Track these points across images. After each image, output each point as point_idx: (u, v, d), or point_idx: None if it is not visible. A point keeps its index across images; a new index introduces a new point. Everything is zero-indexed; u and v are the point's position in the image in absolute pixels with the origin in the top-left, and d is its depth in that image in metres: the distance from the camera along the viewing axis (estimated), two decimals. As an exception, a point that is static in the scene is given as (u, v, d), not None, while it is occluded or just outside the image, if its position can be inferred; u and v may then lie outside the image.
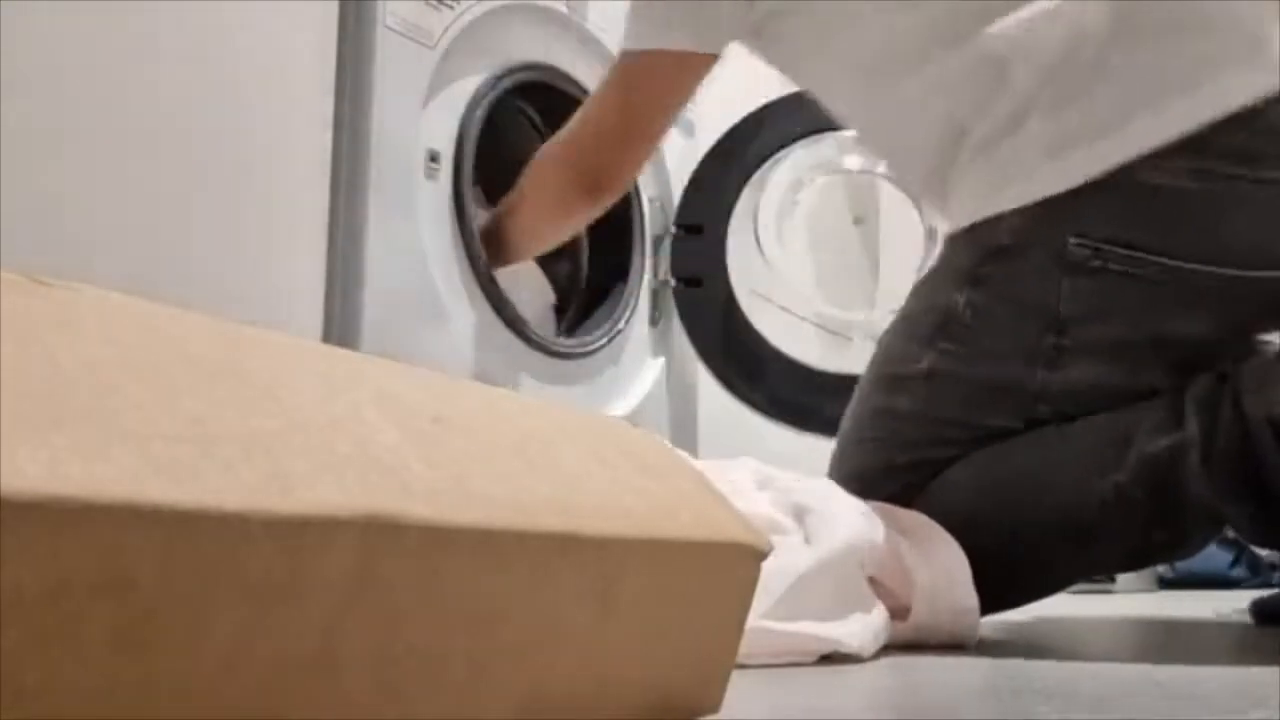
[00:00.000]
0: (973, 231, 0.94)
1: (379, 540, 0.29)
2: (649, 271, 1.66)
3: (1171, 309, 0.88)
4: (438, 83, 1.32)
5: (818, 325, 1.94)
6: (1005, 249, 0.91)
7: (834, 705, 0.54)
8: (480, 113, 1.38)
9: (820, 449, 1.51)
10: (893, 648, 0.75)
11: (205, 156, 1.10)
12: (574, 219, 1.30)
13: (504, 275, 1.38)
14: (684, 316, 1.67)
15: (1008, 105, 0.92)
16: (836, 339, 1.99)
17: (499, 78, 1.43)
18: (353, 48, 1.25)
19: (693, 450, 1.47)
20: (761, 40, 1.08)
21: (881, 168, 1.96)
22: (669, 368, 1.68)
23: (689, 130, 1.85)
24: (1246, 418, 0.83)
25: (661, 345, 1.68)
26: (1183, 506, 0.86)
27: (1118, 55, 0.88)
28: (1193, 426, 0.85)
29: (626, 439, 0.47)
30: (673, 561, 0.41)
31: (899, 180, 1.18)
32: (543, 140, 1.52)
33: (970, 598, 0.79)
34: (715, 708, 0.44)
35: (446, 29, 1.33)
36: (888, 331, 1.01)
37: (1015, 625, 0.97)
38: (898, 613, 0.77)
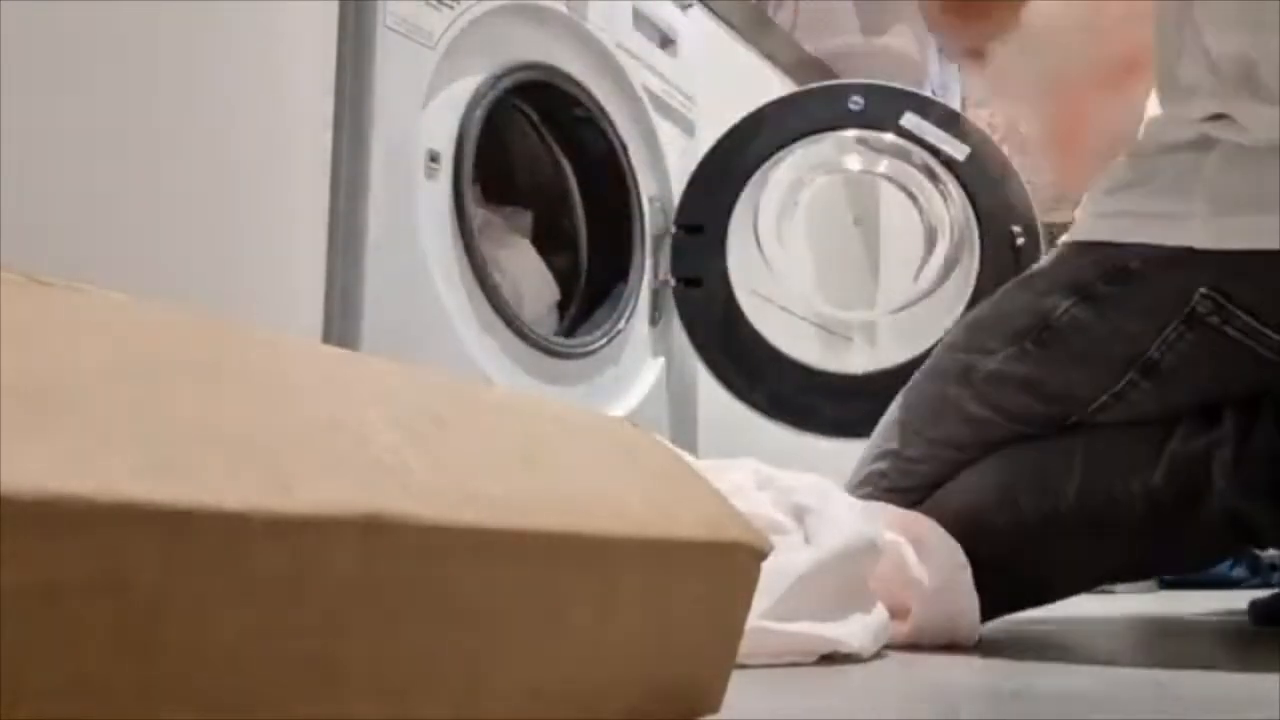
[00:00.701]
0: (1099, 246, 0.91)
1: (379, 540, 0.29)
2: (649, 271, 1.66)
3: (1265, 380, 0.87)
4: (438, 83, 1.32)
5: (818, 325, 1.94)
6: (1130, 274, 0.89)
7: (834, 705, 0.54)
8: (480, 113, 1.38)
9: (820, 449, 1.51)
10: (893, 648, 0.75)
11: (205, 156, 1.10)
12: None
13: (508, 274, 1.38)
14: (684, 316, 1.67)
15: (1205, 127, 0.87)
16: (836, 339, 1.99)
17: (499, 78, 1.43)
18: (353, 48, 1.25)
19: (693, 450, 1.47)
20: None
21: (882, 167, 1.96)
22: (669, 368, 1.68)
23: (689, 130, 1.85)
24: None
25: (661, 345, 1.68)
26: (1209, 510, 0.86)
27: None
28: (1229, 424, 0.85)
29: (626, 439, 0.47)
30: (673, 561, 0.41)
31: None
32: (542, 140, 1.52)
33: (970, 599, 0.79)
34: (715, 708, 0.44)
35: (446, 29, 1.33)
36: (976, 314, 1.00)
37: (1015, 625, 0.97)
38: (898, 613, 0.77)
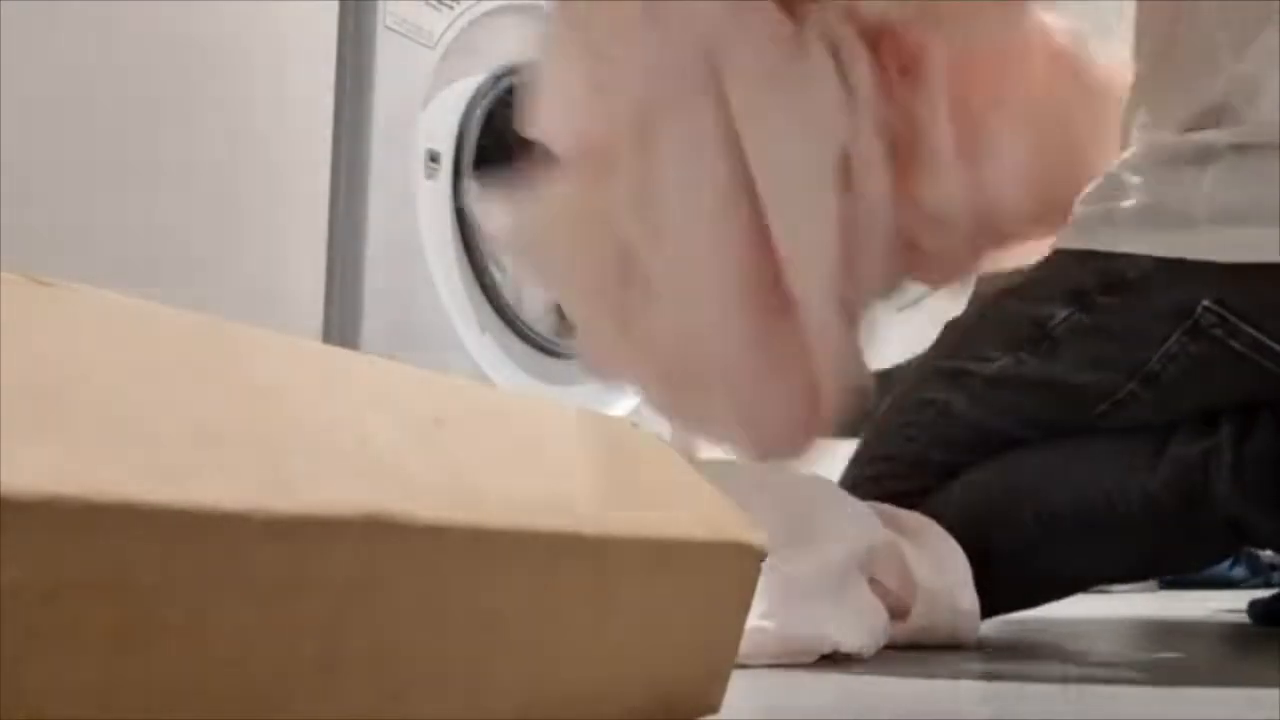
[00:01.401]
0: (1096, 254, 0.90)
1: (379, 540, 0.29)
2: (649, 271, 1.66)
3: (1267, 390, 0.86)
4: (438, 83, 1.33)
5: (818, 325, 1.94)
6: (1130, 284, 0.88)
7: (834, 705, 0.54)
8: (480, 113, 1.38)
9: (820, 449, 1.51)
10: (893, 647, 0.75)
11: (205, 156, 1.10)
12: None
13: (508, 274, 1.38)
14: (684, 316, 1.67)
15: (1209, 135, 0.86)
16: (836, 339, 1.98)
17: (499, 78, 1.43)
18: (353, 48, 1.25)
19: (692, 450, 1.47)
20: None
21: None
22: (669, 368, 1.67)
23: (689, 130, 1.84)
24: None
25: (661, 345, 1.68)
26: (1208, 513, 0.85)
27: None
28: (1226, 430, 0.85)
29: (626, 439, 0.47)
30: (673, 561, 0.41)
31: None
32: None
33: (971, 599, 0.79)
34: (715, 708, 0.44)
35: (446, 29, 1.34)
36: (963, 322, 0.99)
37: (1014, 625, 0.97)
38: (898, 613, 0.77)
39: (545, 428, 0.42)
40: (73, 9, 0.98)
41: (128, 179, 1.03)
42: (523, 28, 1.49)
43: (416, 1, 1.29)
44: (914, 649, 0.76)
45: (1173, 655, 0.88)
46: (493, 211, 1.06)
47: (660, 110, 0.88)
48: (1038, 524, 0.89)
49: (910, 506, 0.89)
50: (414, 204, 1.28)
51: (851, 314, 0.96)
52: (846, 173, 0.91)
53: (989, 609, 0.82)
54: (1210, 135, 0.86)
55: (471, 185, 1.32)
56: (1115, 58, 1.01)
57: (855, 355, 0.97)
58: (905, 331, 2.00)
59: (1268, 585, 1.87)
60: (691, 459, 0.58)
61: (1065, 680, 0.63)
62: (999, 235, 1.03)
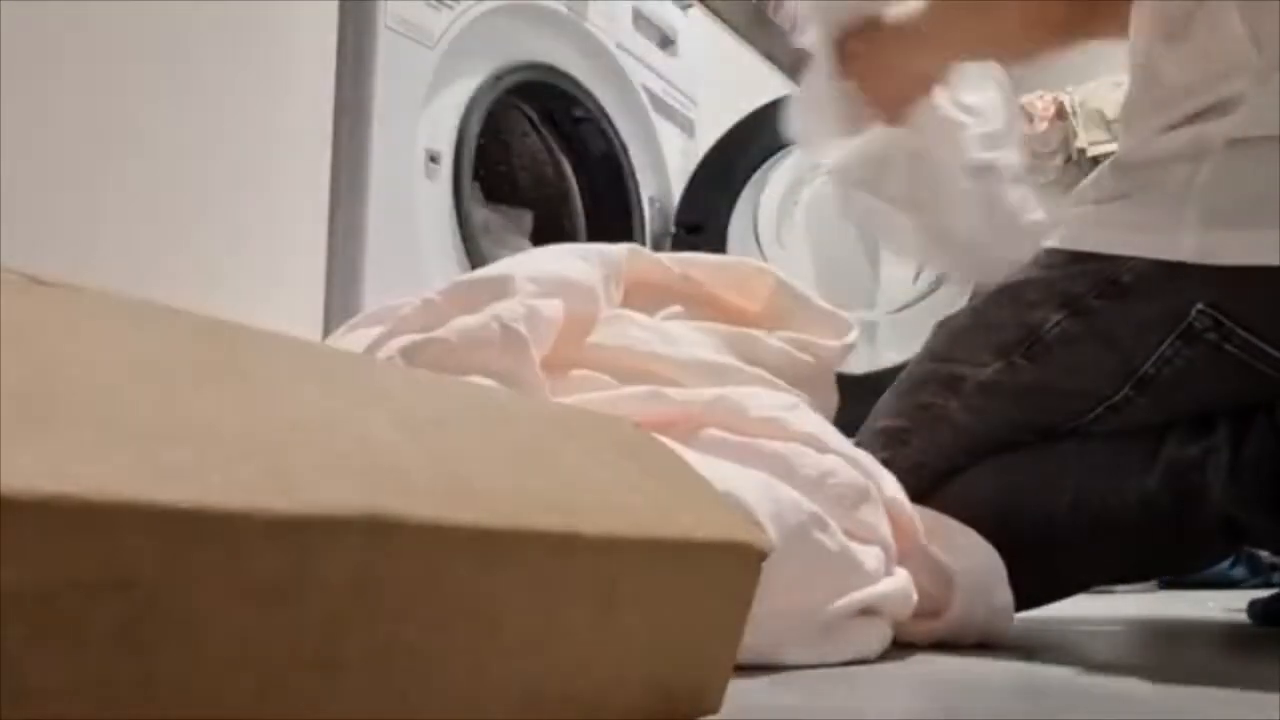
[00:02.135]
0: (1089, 258, 0.89)
1: (379, 540, 0.29)
2: (649, 271, 1.66)
3: (1261, 393, 0.86)
4: (438, 83, 1.33)
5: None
6: (1123, 288, 0.87)
7: (835, 705, 0.54)
8: (480, 113, 1.38)
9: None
10: (901, 644, 0.75)
11: (205, 156, 1.10)
12: None
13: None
14: (684, 316, 1.67)
15: (1200, 131, 0.85)
16: (836, 339, 1.99)
17: (499, 78, 1.43)
18: (353, 48, 1.25)
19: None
20: None
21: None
22: (669, 368, 1.67)
23: (689, 130, 1.85)
24: (1279, 426, 0.83)
25: (661, 345, 1.68)
26: (1205, 515, 0.85)
27: None
28: (1222, 432, 0.85)
29: (626, 439, 0.47)
30: (673, 561, 0.41)
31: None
32: (542, 140, 1.53)
33: (1006, 594, 0.79)
34: (715, 708, 0.44)
35: (446, 29, 1.34)
36: (960, 323, 0.98)
37: (1014, 626, 0.97)
38: (931, 612, 0.77)
39: (545, 428, 0.42)
40: (72, 9, 0.98)
41: (127, 179, 1.03)
42: (523, 28, 1.49)
43: (416, 1, 1.29)
44: (913, 648, 0.76)
45: (1173, 655, 0.88)
46: (825, 149, 1.17)
47: None
48: (1035, 527, 0.89)
49: None
50: (414, 204, 1.28)
51: None
52: None
53: None
54: (1207, 128, 0.85)
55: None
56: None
57: None
58: (903, 332, 2.00)
59: (1268, 585, 1.87)
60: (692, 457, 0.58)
61: (1064, 680, 0.63)
62: None
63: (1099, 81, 2.54)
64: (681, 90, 1.86)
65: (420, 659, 0.31)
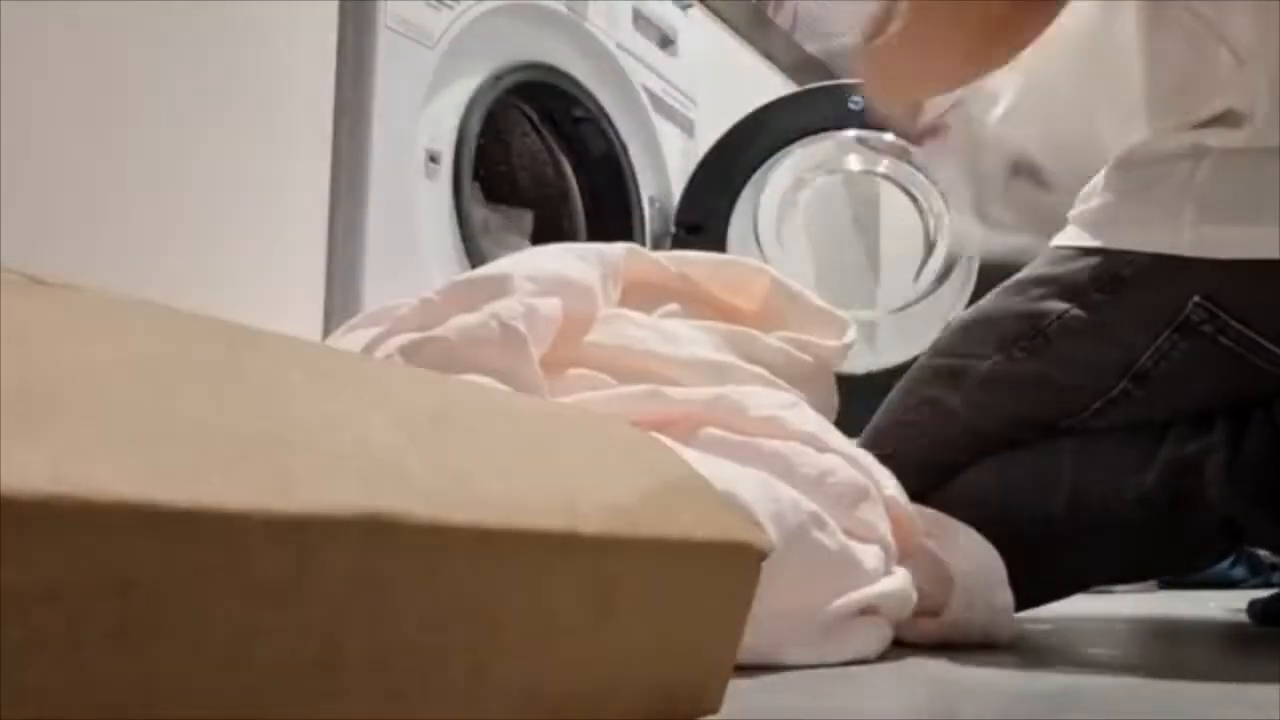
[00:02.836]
0: (1091, 252, 0.90)
1: (379, 540, 0.29)
2: (649, 271, 1.66)
3: (1258, 388, 0.86)
4: (438, 83, 1.33)
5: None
6: (1124, 281, 0.88)
7: (835, 705, 0.54)
8: (480, 113, 1.38)
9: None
10: (900, 644, 0.75)
11: (205, 156, 1.10)
12: None
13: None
14: (684, 316, 1.67)
15: (1198, 135, 0.86)
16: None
17: (499, 78, 1.43)
18: (353, 48, 1.25)
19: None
20: None
21: (882, 167, 1.96)
22: (669, 367, 1.67)
23: (689, 130, 1.85)
24: (1277, 424, 0.83)
25: (661, 345, 1.68)
26: (1203, 513, 0.86)
27: None
28: (1221, 431, 0.85)
29: (626, 439, 0.47)
30: (673, 561, 0.41)
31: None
32: (543, 140, 1.53)
33: (1006, 594, 0.79)
34: (715, 708, 0.44)
35: (446, 29, 1.34)
36: (967, 317, 0.99)
37: (1014, 625, 0.97)
38: (929, 611, 0.77)
39: (545, 428, 0.42)
40: (72, 9, 0.98)
41: (127, 179, 1.03)
42: (523, 28, 1.49)
43: (416, 1, 1.29)
44: (913, 648, 0.76)
45: (1173, 655, 0.88)
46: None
47: None
48: (1034, 526, 0.89)
49: None
50: (414, 204, 1.28)
51: None
52: None
53: None
54: (1207, 136, 0.86)
55: None
56: None
57: None
58: (903, 332, 2.00)
59: (1268, 585, 1.87)
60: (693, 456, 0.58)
61: (1065, 680, 0.63)
62: None
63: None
64: (681, 90, 1.86)
65: (420, 659, 0.31)
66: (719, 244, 1.76)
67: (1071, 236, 0.93)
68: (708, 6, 2.05)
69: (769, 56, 2.26)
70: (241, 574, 0.26)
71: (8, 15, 0.92)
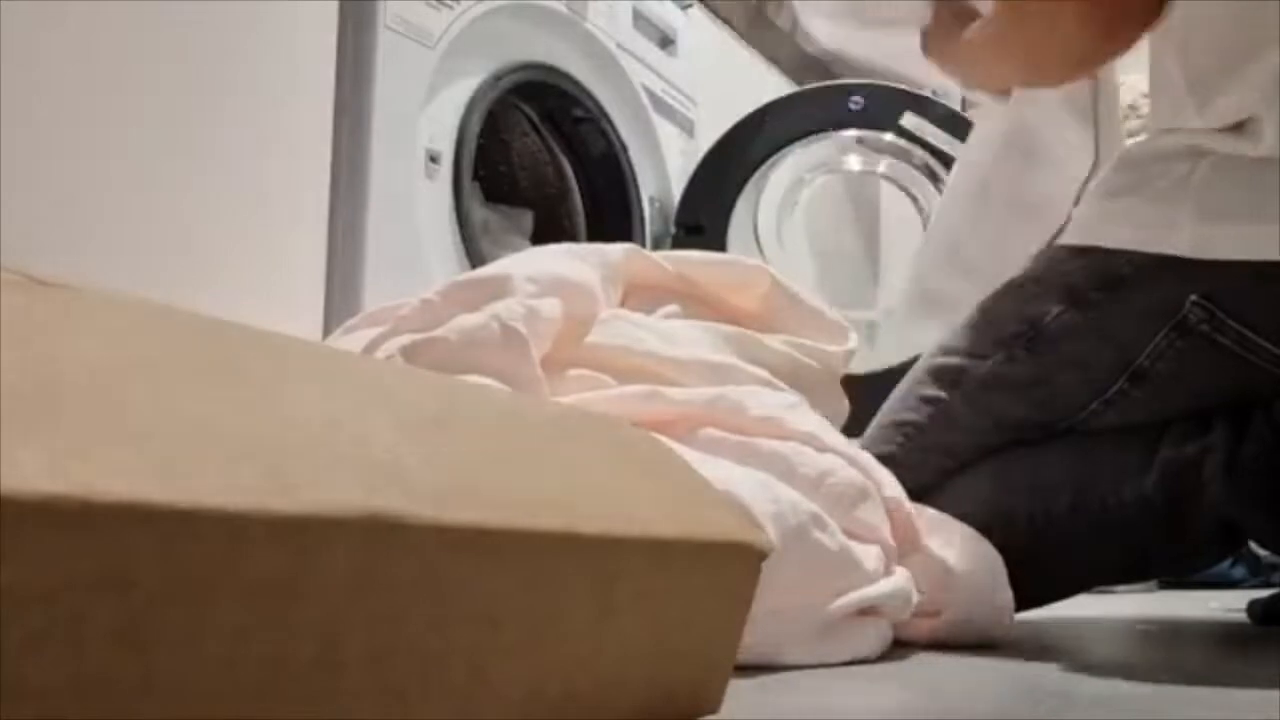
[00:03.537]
0: (1090, 251, 0.90)
1: (379, 540, 0.29)
2: (649, 271, 1.66)
3: (1256, 388, 0.87)
4: (438, 83, 1.33)
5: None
6: (1121, 280, 0.88)
7: (833, 705, 0.54)
8: (480, 113, 1.38)
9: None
10: (900, 644, 0.75)
11: (206, 156, 1.10)
12: None
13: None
14: (684, 316, 1.67)
15: (1197, 138, 0.87)
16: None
17: (499, 78, 1.43)
18: (353, 48, 1.25)
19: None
20: None
21: (882, 167, 1.96)
22: (669, 368, 1.67)
23: (689, 130, 1.85)
24: (1276, 424, 0.83)
25: (661, 345, 1.67)
26: (1202, 514, 0.86)
27: None
28: (1219, 431, 0.85)
29: (626, 439, 0.47)
30: (673, 561, 0.41)
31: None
32: (542, 140, 1.53)
33: (1006, 593, 0.79)
34: (715, 708, 0.44)
35: (446, 29, 1.34)
36: (969, 318, 0.98)
37: (1014, 625, 0.97)
38: (929, 611, 0.77)
39: (545, 428, 0.42)
40: (72, 8, 0.98)
41: (127, 179, 1.03)
42: (523, 28, 1.49)
43: (416, 1, 1.29)
44: (915, 648, 0.76)
45: (1172, 655, 0.88)
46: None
47: None
48: (1034, 527, 0.89)
49: None
50: (414, 204, 1.28)
51: None
52: None
53: None
54: (1214, 141, 0.86)
55: None
56: None
57: None
58: (904, 332, 1.99)
59: (1267, 585, 1.87)
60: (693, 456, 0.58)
61: (1064, 680, 0.63)
62: None
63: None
64: (681, 90, 1.86)
65: (420, 659, 0.31)
66: (719, 244, 1.76)
67: (1070, 236, 0.94)
68: (708, 6, 2.05)
69: (769, 56, 2.26)
70: (241, 574, 0.26)
71: (7, 16, 0.92)
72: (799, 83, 2.22)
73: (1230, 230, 0.83)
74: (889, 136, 1.86)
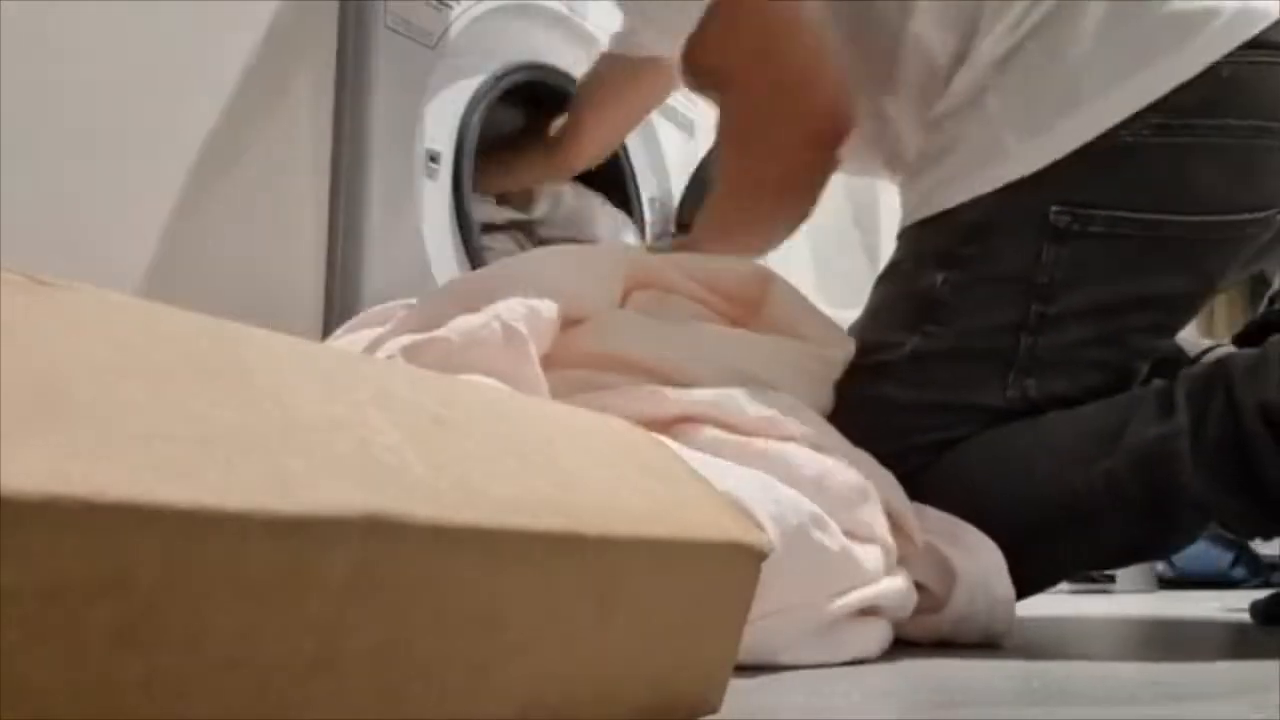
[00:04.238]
0: (941, 217, 0.95)
1: (379, 540, 0.29)
2: (649, 271, 1.65)
3: (1149, 266, 0.91)
4: (438, 83, 1.32)
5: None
6: (982, 226, 0.93)
7: (835, 705, 0.54)
8: (480, 113, 1.38)
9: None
10: (901, 644, 0.75)
11: (205, 156, 1.10)
12: None
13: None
14: (684, 316, 1.67)
15: (967, 77, 0.95)
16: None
17: (499, 78, 1.43)
18: (353, 48, 1.24)
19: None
20: None
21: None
22: (669, 368, 1.67)
23: (689, 130, 1.85)
24: (1237, 405, 0.83)
25: (661, 345, 1.67)
26: (1173, 497, 0.86)
27: (1096, 26, 0.91)
28: (1183, 416, 0.85)
29: (626, 439, 0.47)
30: (673, 561, 0.41)
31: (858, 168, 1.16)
32: (542, 140, 1.52)
33: (1008, 588, 0.79)
34: (715, 708, 0.44)
35: (446, 29, 1.33)
36: (856, 329, 1.00)
37: (1013, 625, 0.97)
38: (930, 607, 0.77)
39: (545, 427, 0.42)
40: (72, 8, 0.98)
41: (127, 179, 1.03)
42: (523, 28, 1.49)
43: (416, 1, 1.29)
44: (913, 647, 0.76)
45: (1173, 655, 0.88)
46: None
47: None
48: (1007, 515, 0.88)
49: None
50: (414, 204, 1.28)
51: None
52: None
53: None
54: (964, 84, 0.95)
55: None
56: None
57: None
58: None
59: (1267, 585, 1.87)
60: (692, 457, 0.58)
61: (1065, 680, 0.63)
62: None
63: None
64: (681, 90, 1.86)
65: (420, 659, 0.31)
66: (719, 244, 1.76)
67: (913, 214, 0.98)
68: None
69: (769, 56, 2.26)
70: (241, 574, 0.26)
71: (7, 16, 0.92)
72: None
73: (1054, 132, 0.90)
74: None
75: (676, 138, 1.82)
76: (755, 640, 0.54)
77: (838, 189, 2.11)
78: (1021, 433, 0.91)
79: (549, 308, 0.74)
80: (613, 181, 1.69)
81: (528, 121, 1.53)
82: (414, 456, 0.33)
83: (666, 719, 0.41)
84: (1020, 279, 0.92)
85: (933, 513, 0.84)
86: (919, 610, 0.76)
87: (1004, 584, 0.79)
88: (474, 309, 0.74)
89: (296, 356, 0.35)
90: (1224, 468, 0.84)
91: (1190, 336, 1.12)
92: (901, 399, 0.93)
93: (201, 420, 0.28)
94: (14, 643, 0.23)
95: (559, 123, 1.44)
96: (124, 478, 0.24)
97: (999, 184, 0.92)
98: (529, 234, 1.52)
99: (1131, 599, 1.51)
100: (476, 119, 1.38)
